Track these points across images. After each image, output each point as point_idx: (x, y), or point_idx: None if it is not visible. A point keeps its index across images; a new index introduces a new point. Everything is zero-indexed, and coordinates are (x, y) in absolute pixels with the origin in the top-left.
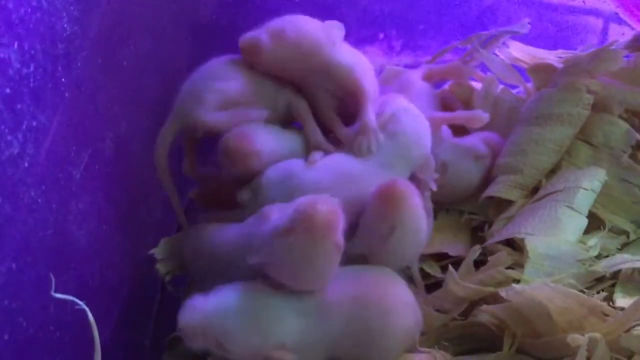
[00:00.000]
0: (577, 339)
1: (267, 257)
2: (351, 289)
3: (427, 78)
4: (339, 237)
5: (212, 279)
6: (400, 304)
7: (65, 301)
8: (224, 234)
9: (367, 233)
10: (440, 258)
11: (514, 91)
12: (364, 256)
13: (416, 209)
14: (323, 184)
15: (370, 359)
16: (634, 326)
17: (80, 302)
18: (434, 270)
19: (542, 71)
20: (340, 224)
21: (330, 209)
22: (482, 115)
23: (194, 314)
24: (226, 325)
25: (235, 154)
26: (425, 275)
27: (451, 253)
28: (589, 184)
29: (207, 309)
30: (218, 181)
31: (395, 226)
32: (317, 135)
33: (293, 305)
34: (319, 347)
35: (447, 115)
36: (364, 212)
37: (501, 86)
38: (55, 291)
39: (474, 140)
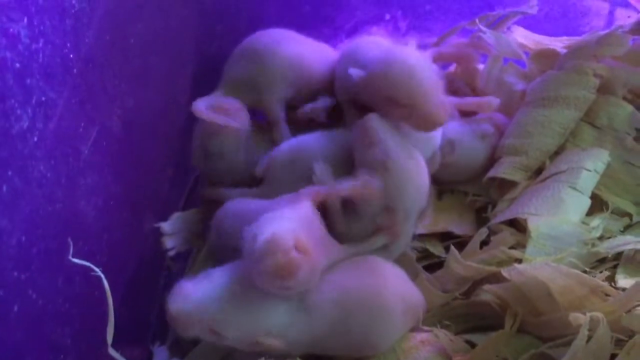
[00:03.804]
0: (579, 317)
1: None
2: (336, 291)
3: (435, 61)
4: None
5: (231, 256)
6: (385, 305)
7: (73, 275)
8: (251, 208)
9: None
10: (444, 239)
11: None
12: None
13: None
14: (330, 154)
15: (356, 354)
16: (635, 306)
17: (96, 269)
18: (437, 250)
19: (545, 57)
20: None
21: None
22: (492, 101)
23: (186, 301)
24: (219, 311)
25: None
26: (429, 254)
27: (457, 232)
28: (592, 164)
29: (199, 295)
30: None
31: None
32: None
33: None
34: (302, 341)
35: (458, 99)
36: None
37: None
38: (67, 264)
39: (480, 119)
